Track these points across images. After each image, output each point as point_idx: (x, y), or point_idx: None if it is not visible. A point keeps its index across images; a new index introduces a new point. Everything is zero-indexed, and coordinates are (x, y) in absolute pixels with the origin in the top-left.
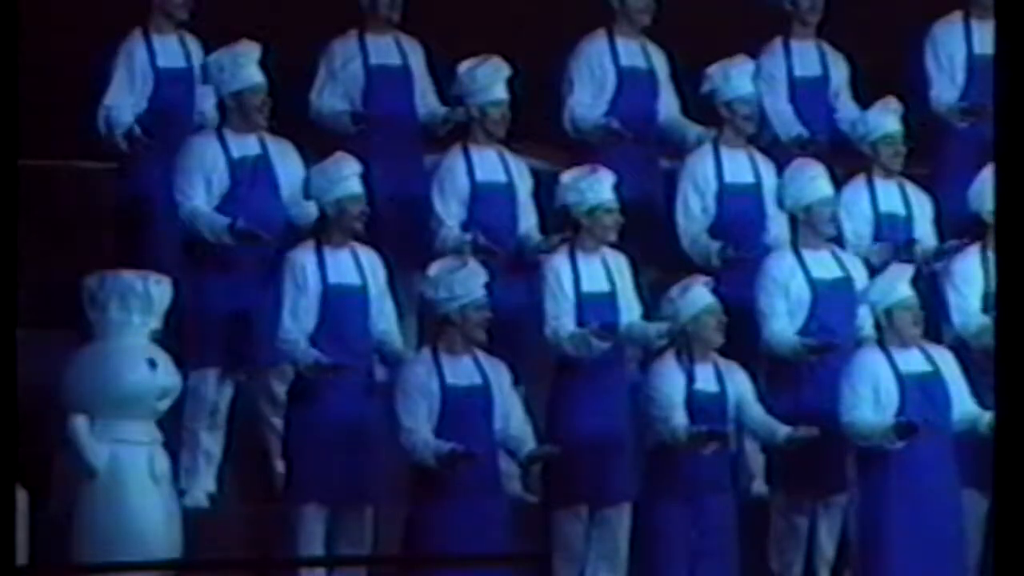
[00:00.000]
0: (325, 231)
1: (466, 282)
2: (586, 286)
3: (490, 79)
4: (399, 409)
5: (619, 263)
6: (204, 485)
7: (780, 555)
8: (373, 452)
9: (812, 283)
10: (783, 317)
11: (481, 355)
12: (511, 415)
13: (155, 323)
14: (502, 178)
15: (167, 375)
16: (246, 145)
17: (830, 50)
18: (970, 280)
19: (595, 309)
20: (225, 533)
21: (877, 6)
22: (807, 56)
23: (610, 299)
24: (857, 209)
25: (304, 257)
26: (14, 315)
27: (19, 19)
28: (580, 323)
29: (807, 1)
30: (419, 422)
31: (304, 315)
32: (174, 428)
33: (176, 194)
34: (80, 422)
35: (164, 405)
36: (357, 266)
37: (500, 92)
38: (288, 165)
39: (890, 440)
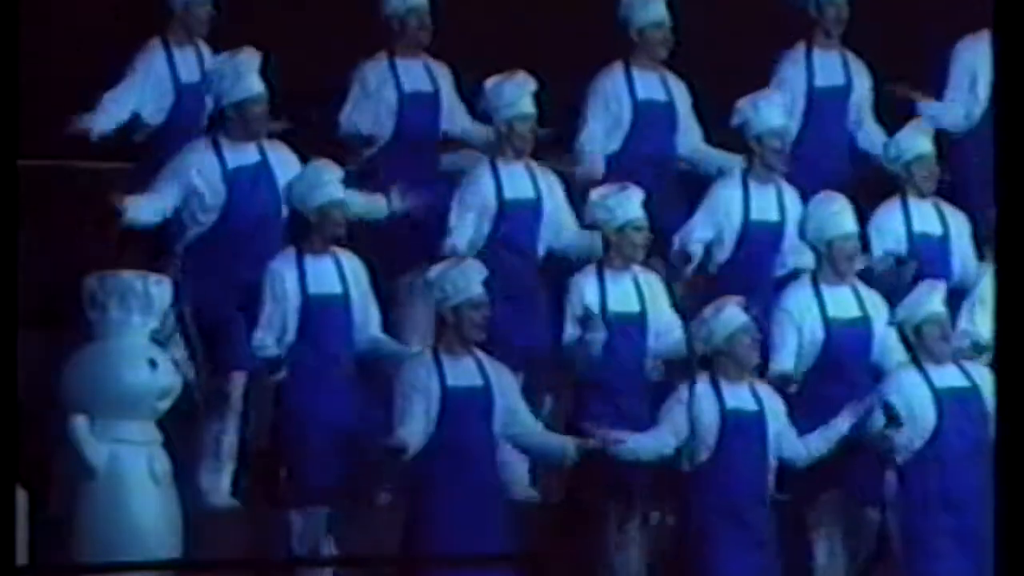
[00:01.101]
0: (307, 238)
1: (458, 280)
2: (613, 306)
3: (517, 94)
4: (395, 406)
5: (651, 282)
6: (226, 485)
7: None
8: (365, 454)
9: (827, 323)
10: (791, 354)
11: (483, 355)
12: (515, 414)
13: (155, 323)
14: (530, 194)
15: (167, 375)
16: (244, 155)
17: (853, 59)
18: (983, 300)
19: (622, 330)
20: (225, 533)
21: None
22: (830, 65)
23: (639, 320)
24: (889, 229)
25: (283, 267)
26: (14, 315)
27: (19, 18)
28: (606, 345)
29: (833, 10)
30: (410, 422)
31: (279, 325)
32: (187, 429)
33: (149, 192)
34: (80, 422)
35: (164, 405)
36: (339, 273)
37: (527, 107)
38: (289, 171)
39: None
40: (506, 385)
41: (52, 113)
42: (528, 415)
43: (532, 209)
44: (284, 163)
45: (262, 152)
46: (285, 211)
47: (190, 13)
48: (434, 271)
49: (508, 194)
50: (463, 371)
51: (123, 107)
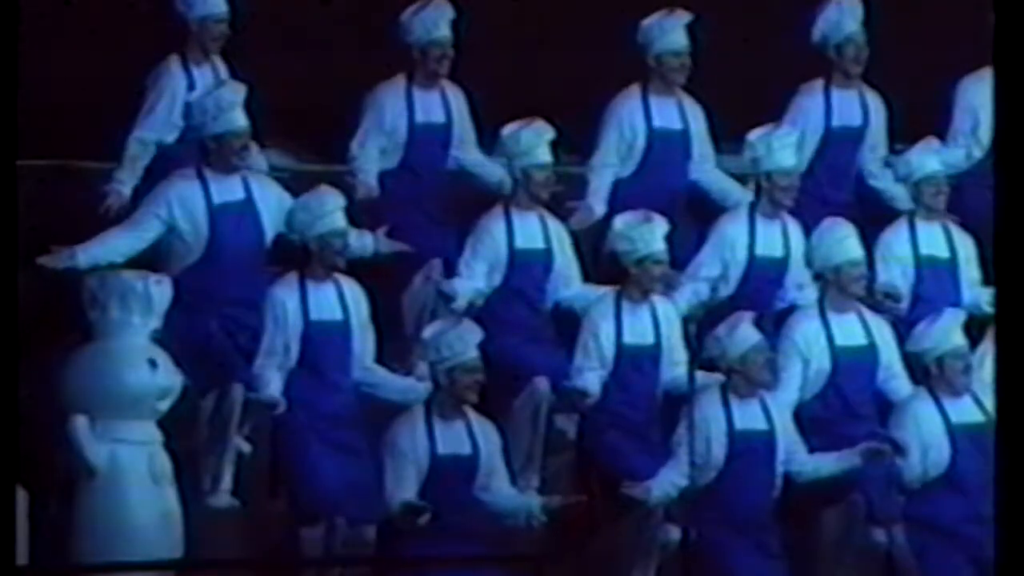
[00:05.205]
0: (308, 265)
1: (454, 344)
2: (628, 338)
3: (534, 142)
4: (386, 468)
5: (668, 312)
6: (226, 485)
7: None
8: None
9: (834, 352)
10: (794, 388)
11: (473, 417)
12: (492, 478)
13: (155, 323)
14: (541, 245)
15: (167, 375)
16: (230, 190)
17: (871, 96)
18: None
19: (636, 363)
20: (225, 533)
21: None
22: (848, 105)
23: (654, 351)
24: (895, 253)
25: (285, 293)
26: (14, 315)
27: (19, 19)
28: (617, 375)
29: (852, 51)
30: (403, 488)
31: (280, 350)
32: (187, 429)
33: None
34: (80, 422)
35: (164, 405)
36: (340, 300)
37: (544, 155)
38: (274, 207)
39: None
40: (492, 450)
41: (51, 113)
42: (503, 479)
43: (542, 260)
44: (269, 199)
45: (247, 188)
46: (268, 241)
47: (205, 29)
48: (429, 331)
49: (519, 243)
50: (453, 438)
51: (149, 146)
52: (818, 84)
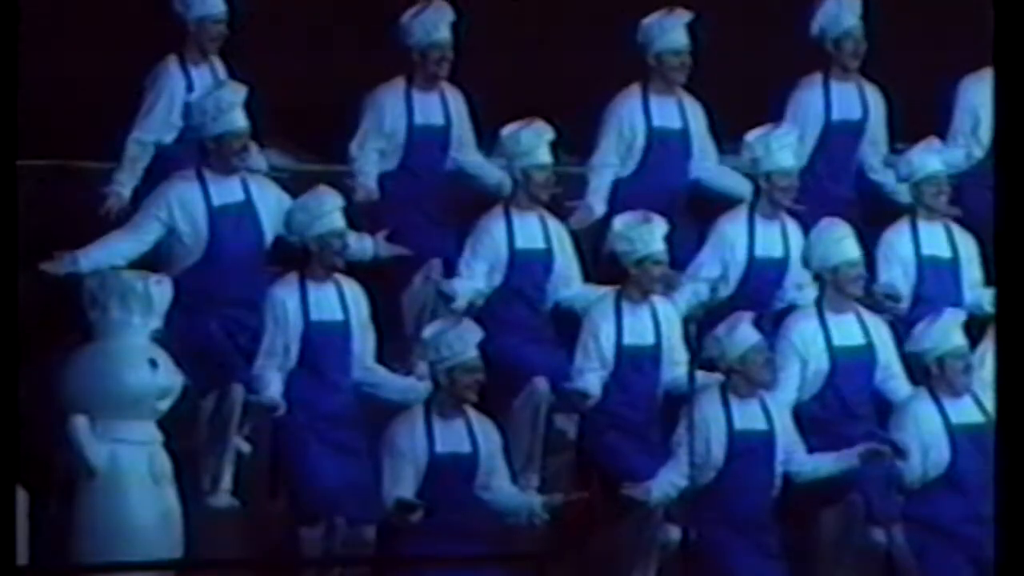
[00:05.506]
0: (308, 265)
1: (454, 343)
2: (628, 338)
3: (534, 142)
4: (384, 467)
5: (668, 312)
6: (226, 485)
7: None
8: (368, 475)
9: (832, 352)
10: (792, 388)
11: (473, 416)
12: (492, 477)
13: (156, 323)
14: (541, 245)
15: (167, 375)
16: (229, 191)
17: (870, 89)
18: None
19: (636, 364)
20: (225, 533)
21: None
22: (847, 98)
23: (654, 351)
24: (897, 254)
25: (285, 293)
26: (14, 315)
27: (19, 19)
28: (617, 376)
29: (851, 45)
30: (401, 486)
31: (280, 351)
32: (187, 429)
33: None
34: (80, 422)
35: (164, 405)
36: (340, 301)
37: (544, 155)
38: (272, 208)
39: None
40: (492, 449)
41: (51, 113)
42: (504, 478)
43: (543, 260)
44: (268, 200)
45: (246, 189)
46: (268, 242)
47: (203, 30)
48: (429, 331)
49: (520, 244)
50: (452, 436)
51: (148, 147)
52: (817, 78)
